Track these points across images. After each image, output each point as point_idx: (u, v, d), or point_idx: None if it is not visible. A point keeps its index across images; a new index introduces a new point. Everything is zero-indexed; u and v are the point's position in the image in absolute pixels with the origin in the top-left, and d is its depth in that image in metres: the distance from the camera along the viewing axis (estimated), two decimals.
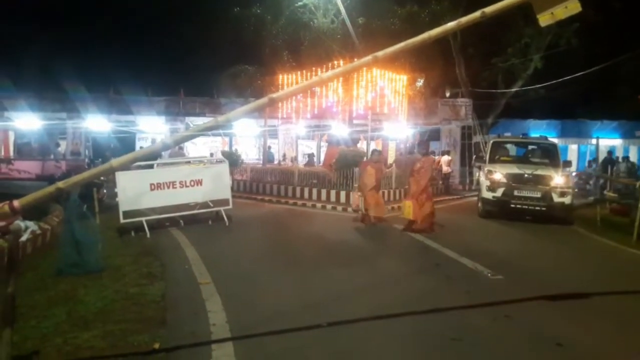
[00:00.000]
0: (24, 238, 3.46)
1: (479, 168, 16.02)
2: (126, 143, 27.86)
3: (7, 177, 19.07)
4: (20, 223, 3.40)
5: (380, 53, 4.37)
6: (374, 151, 13.03)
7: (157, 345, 4.27)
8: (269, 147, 24.24)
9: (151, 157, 10.73)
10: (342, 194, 15.31)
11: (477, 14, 4.34)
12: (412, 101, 22.10)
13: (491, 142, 15.59)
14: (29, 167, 21.00)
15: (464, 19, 4.36)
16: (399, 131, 21.83)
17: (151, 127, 27.17)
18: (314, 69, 18.95)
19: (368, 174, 11.80)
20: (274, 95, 4.33)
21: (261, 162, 23.51)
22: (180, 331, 4.71)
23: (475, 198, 15.78)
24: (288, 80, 19.73)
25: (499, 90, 26.08)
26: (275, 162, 24.04)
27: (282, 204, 16.45)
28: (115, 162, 3.71)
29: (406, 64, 21.22)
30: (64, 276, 6.67)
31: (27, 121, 24.72)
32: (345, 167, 15.60)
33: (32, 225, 3.52)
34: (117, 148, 25.43)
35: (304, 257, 8.35)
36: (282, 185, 17.81)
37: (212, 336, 4.57)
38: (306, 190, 16.85)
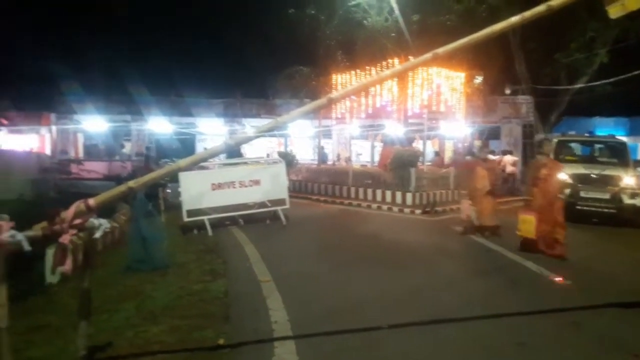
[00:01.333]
0: (97, 235, 3.64)
1: None
2: (187, 144, 28.88)
3: (77, 177, 20.21)
4: (94, 221, 3.58)
5: (440, 50, 4.29)
6: (480, 148, 11.75)
7: (221, 341, 4.40)
8: (322, 148, 24.37)
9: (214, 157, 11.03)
10: (398, 194, 15.14)
11: (542, 7, 4.18)
12: (470, 99, 21.53)
13: (555, 140, 14.94)
14: (97, 168, 22.14)
15: (528, 13, 4.21)
16: (456, 130, 21.34)
17: (210, 128, 28.00)
18: (368, 68, 18.88)
19: (480, 177, 10.24)
20: (333, 95, 4.36)
21: (315, 162, 23.67)
22: (243, 328, 4.83)
23: None
24: (342, 80, 19.75)
25: (562, 87, 24.94)
26: (329, 162, 24.14)
27: (336, 204, 16.50)
28: (182, 162, 3.85)
29: (464, 61, 20.70)
30: (132, 272, 7.01)
31: (95, 123, 26.12)
32: (401, 167, 15.42)
33: (105, 222, 3.70)
34: (179, 149, 26.36)
35: (361, 257, 8.33)
36: (337, 186, 17.85)
37: (274, 334, 4.65)
38: (361, 190, 16.80)
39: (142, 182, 3.55)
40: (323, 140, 25.00)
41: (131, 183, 3.54)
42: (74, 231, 3.36)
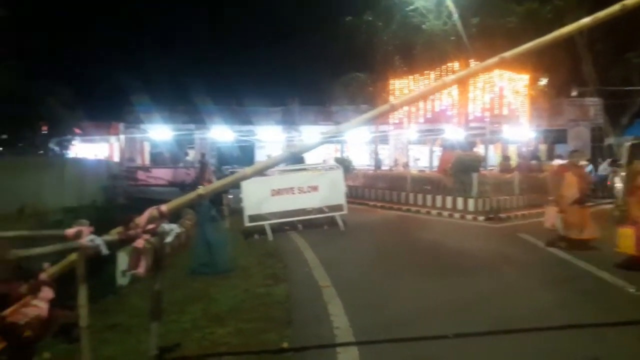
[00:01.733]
0: (169, 239, 3.79)
1: (614, 173, 14.56)
2: (246, 151, 29.61)
3: (145, 183, 21.22)
4: (166, 226, 3.74)
5: (507, 54, 4.18)
6: (572, 152, 10.77)
7: (285, 345, 4.46)
8: (377, 153, 24.25)
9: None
10: (459, 200, 14.79)
11: (616, 7, 3.99)
12: (535, 102, 20.75)
13: (629, 144, 14.10)
14: (163, 174, 23.13)
15: (601, 14, 4.03)
16: (520, 134, 20.61)
17: (268, 136, 28.59)
18: (426, 72, 18.63)
19: (568, 183, 9.34)
20: (395, 101, 4.33)
21: (370, 167, 23.59)
22: (305, 332, 4.87)
23: (609, 205, 14.36)
24: (400, 86, 19.61)
25: (634, 88, 23.52)
26: (385, 167, 23.95)
27: (394, 210, 16.32)
28: (248, 170, 3.96)
29: (527, 63, 19.97)
30: (197, 275, 7.25)
31: (160, 132, 27.32)
32: (462, 173, 15.05)
33: (175, 227, 3.85)
34: (239, 156, 27.07)
35: (422, 265, 8.19)
36: (394, 191, 17.66)
37: (336, 339, 4.66)
38: (419, 196, 16.53)
39: (210, 189, 3.68)
40: (379, 145, 24.88)
41: (200, 190, 3.67)
42: (148, 236, 3.52)
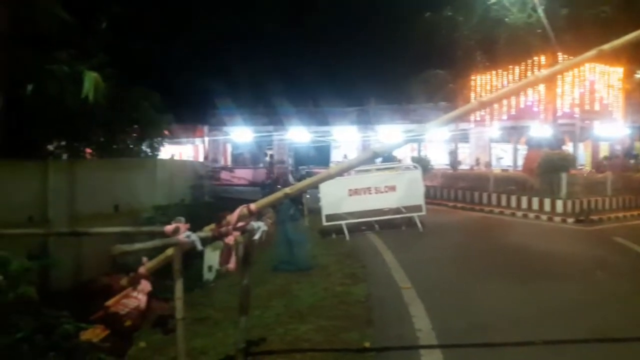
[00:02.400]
0: (257, 237, 3.92)
1: None
2: (322, 151, 29.95)
3: (229, 183, 22.14)
4: (254, 223, 3.87)
5: (606, 46, 3.92)
6: None
7: (367, 344, 4.47)
8: (454, 152, 23.54)
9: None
10: (547, 201, 14.00)
11: None
12: (630, 96, 19.22)
13: None
14: (244, 174, 23.98)
15: None
16: (613, 131, 19.19)
17: (344, 136, 28.74)
18: (510, 67, 17.86)
19: None
20: (484, 98, 4.19)
21: (448, 167, 22.97)
22: (386, 333, 4.84)
23: None
24: (482, 81, 18.93)
25: None
26: (464, 167, 23.23)
27: (476, 211, 15.77)
28: (333, 169, 4.01)
29: (622, 55, 18.55)
30: (278, 272, 7.45)
31: (241, 134, 28.34)
32: (549, 172, 14.26)
33: (262, 225, 3.97)
34: (315, 156, 27.46)
35: (505, 268, 7.86)
36: (476, 192, 17.05)
37: (419, 341, 4.59)
38: (503, 197, 15.85)
39: (296, 188, 3.77)
40: (459, 144, 24.18)
41: (287, 190, 3.77)
42: (238, 233, 3.67)
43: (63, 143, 9.77)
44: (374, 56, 33.04)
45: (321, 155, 29.05)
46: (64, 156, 9.64)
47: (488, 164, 22.80)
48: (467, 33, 22.37)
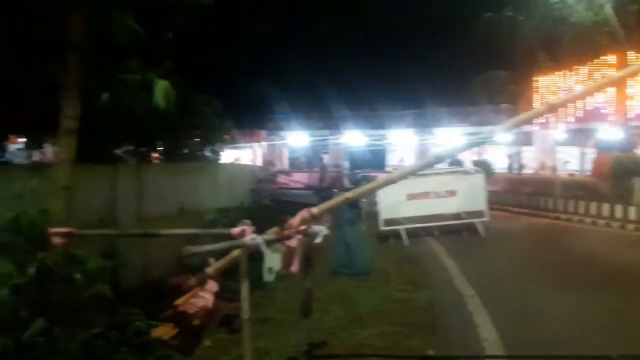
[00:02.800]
0: (318, 240, 3.92)
1: None
2: (377, 155, 29.77)
3: (287, 186, 22.48)
4: (315, 227, 3.87)
5: None
6: None
7: (431, 352, 4.36)
8: (516, 154, 22.70)
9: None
10: (618, 208, 13.19)
11: None
12: None
13: None
14: (301, 178, 24.22)
15: None
16: None
17: (400, 139, 28.45)
18: (576, 67, 17.07)
19: None
20: (553, 101, 4.02)
21: (509, 171, 22.19)
22: (450, 341, 4.73)
23: None
24: (546, 83, 18.21)
25: None
26: (529, 171, 22.38)
27: (541, 217, 15.12)
28: (394, 173, 3.95)
29: None
30: (336, 276, 7.43)
31: (297, 139, 28.70)
32: (621, 177, 13.48)
33: (324, 229, 3.97)
34: (371, 160, 27.34)
35: (574, 277, 7.45)
36: (541, 197, 16.35)
37: (485, 351, 4.44)
38: (570, 202, 15.09)
39: (358, 193, 3.74)
40: (522, 147, 23.33)
41: (348, 194, 3.75)
42: (300, 236, 3.69)
43: (130, 148, 10.24)
44: (432, 58, 32.44)
45: (376, 159, 28.88)
46: (132, 161, 10.09)
47: (554, 168, 21.84)
48: (529, 33, 21.61)
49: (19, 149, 18.83)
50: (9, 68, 6.04)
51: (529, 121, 4.07)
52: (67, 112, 4.52)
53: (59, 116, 4.59)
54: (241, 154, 28.99)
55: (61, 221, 4.01)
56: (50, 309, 3.72)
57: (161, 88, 4.90)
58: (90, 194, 7.81)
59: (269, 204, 14.36)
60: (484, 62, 24.06)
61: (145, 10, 5.22)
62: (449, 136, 26.43)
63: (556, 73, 18.23)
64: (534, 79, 19.01)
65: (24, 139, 15.84)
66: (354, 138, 27.98)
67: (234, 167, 15.46)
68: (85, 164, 7.50)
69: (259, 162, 28.32)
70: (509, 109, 21.64)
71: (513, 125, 3.86)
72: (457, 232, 11.35)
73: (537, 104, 19.25)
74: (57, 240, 3.86)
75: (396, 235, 10.71)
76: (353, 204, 9.69)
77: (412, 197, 11.02)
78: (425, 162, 4.43)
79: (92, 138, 7.24)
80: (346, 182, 21.39)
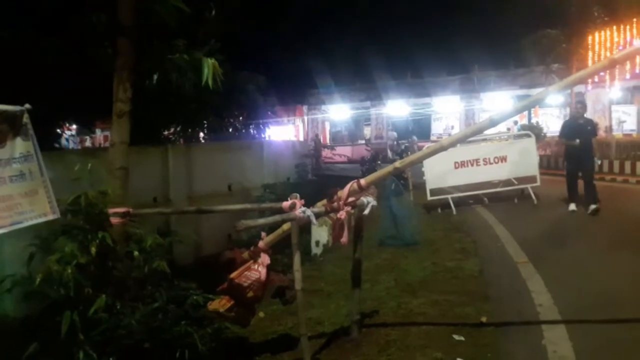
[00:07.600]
0: (366, 212, 3.95)
1: None
2: (422, 124, 29.23)
3: (331, 160, 22.55)
4: (364, 199, 3.89)
5: None
6: None
7: (484, 319, 4.34)
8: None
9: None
10: None
11: None
12: None
13: None
14: (344, 152, 24.22)
15: None
16: None
17: (445, 107, 27.77)
18: (634, 21, 16.01)
19: None
20: (616, 55, 3.80)
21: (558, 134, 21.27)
22: (504, 308, 4.67)
23: None
24: (600, 39, 17.20)
25: None
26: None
27: (595, 180, 14.42)
28: (445, 140, 3.89)
29: None
30: (384, 247, 7.46)
31: (339, 112, 28.55)
32: None
33: (372, 200, 3.98)
34: (415, 129, 26.90)
35: (634, 242, 7.14)
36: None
37: (539, 317, 4.37)
38: (627, 164, 14.41)
39: (407, 162, 3.72)
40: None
41: (397, 163, 3.74)
42: (349, 208, 3.72)
43: (178, 128, 10.50)
44: (477, 19, 31.14)
45: (421, 128, 28.34)
46: (180, 141, 10.35)
47: (608, 129, 20.81)
48: None
49: (71, 136, 19.65)
50: (61, 55, 6.27)
51: (586, 79, 3.87)
52: (119, 95, 4.65)
53: (109, 101, 4.73)
54: (285, 130, 29.17)
55: (118, 201, 4.17)
56: (112, 286, 3.92)
57: (209, 66, 4.94)
58: (143, 175, 8.08)
59: (314, 178, 14.45)
60: (534, 20, 22.89)
61: None
62: (497, 101, 25.59)
63: (612, 28, 17.12)
64: (588, 35, 17.94)
65: (74, 126, 16.54)
66: (397, 108, 27.56)
67: (279, 143, 15.58)
68: (138, 146, 7.77)
69: (303, 137, 28.45)
70: (561, 69, 20.62)
71: (570, 83, 3.69)
72: (507, 199, 11.08)
73: (590, 62, 18.25)
74: (115, 219, 4.07)
75: (445, 204, 10.57)
76: (399, 174, 9.65)
77: (460, 165, 10.79)
78: (477, 127, 4.29)
79: (142, 120, 7.47)
80: (390, 154, 21.20)
